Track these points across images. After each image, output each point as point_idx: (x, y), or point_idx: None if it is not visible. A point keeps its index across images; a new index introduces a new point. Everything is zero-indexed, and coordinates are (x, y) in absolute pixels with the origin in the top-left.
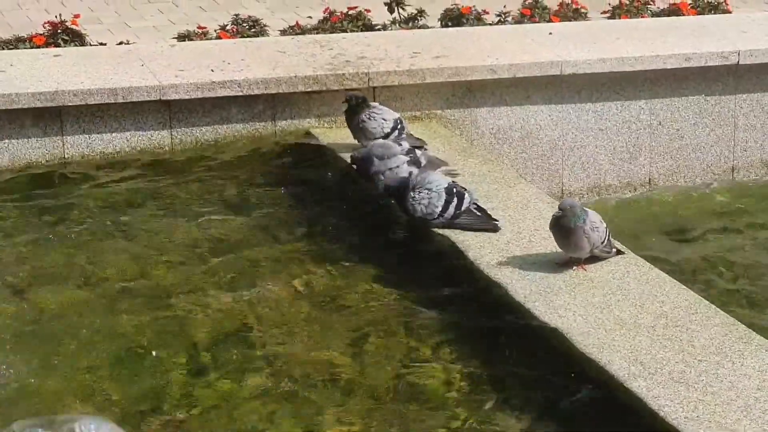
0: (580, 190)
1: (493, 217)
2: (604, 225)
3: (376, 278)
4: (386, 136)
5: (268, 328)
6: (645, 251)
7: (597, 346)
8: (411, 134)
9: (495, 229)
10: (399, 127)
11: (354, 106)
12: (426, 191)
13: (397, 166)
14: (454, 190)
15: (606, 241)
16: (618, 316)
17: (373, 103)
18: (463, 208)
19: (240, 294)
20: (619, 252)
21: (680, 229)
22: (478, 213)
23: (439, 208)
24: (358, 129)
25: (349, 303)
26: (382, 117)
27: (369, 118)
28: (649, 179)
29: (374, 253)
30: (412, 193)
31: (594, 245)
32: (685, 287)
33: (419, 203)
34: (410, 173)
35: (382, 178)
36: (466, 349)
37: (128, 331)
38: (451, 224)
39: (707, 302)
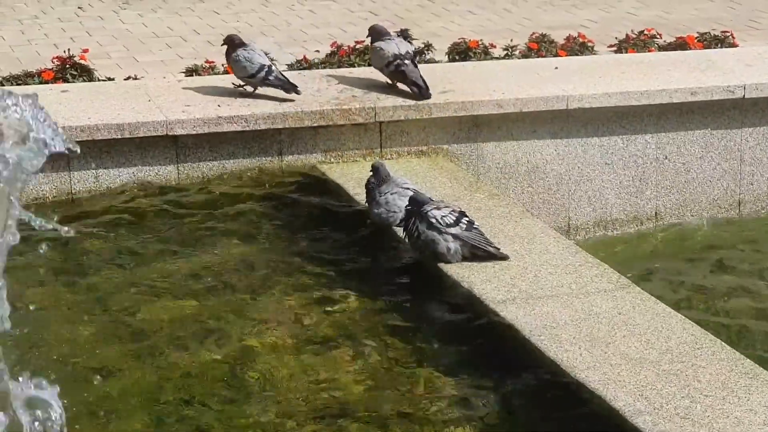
0: (586, 224)
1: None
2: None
3: (381, 312)
4: (252, 76)
5: (271, 363)
6: (650, 284)
7: (602, 381)
8: (282, 75)
9: (503, 255)
10: (266, 71)
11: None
12: (441, 208)
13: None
14: (466, 214)
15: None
16: (623, 351)
17: (251, 43)
18: (473, 227)
19: (244, 326)
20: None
21: (687, 262)
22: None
23: (453, 220)
24: (231, 61)
25: (352, 336)
26: (250, 60)
27: (238, 59)
28: (656, 213)
29: (379, 288)
30: (426, 207)
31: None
32: (690, 322)
33: (432, 215)
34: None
35: (379, 197)
36: (470, 382)
37: (130, 361)
38: (460, 236)
39: (713, 337)
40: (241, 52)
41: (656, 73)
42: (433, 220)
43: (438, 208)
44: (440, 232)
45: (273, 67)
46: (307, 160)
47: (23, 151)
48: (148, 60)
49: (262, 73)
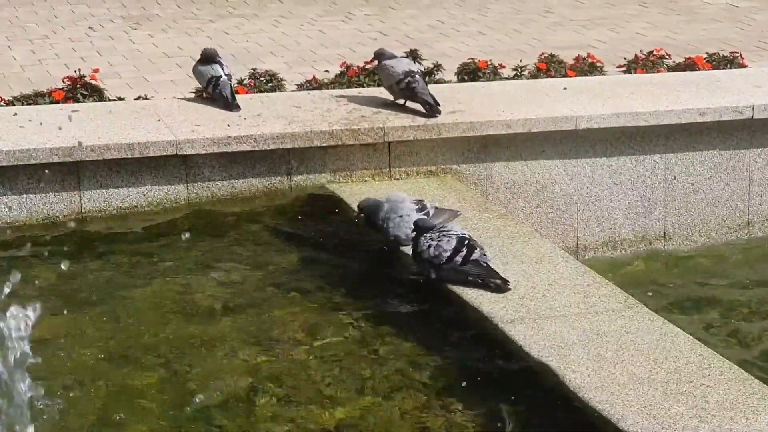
0: (595, 244)
1: (503, 277)
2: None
3: (388, 334)
4: (204, 88)
5: (280, 387)
6: (658, 305)
7: (610, 401)
8: (229, 90)
9: (501, 287)
10: (213, 84)
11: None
12: (438, 234)
13: (407, 215)
14: (466, 241)
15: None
16: (631, 371)
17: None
18: (471, 259)
19: (252, 345)
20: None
21: (695, 281)
22: (486, 265)
23: (448, 254)
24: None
25: (360, 355)
26: (201, 73)
27: (194, 72)
28: (664, 233)
29: (388, 307)
30: (427, 234)
31: None
32: (698, 342)
33: (428, 245)
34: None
35: (391, 225)
36: (478, 404)
37: (139, 385)
38: (457, 270)
39: (720, 357)
40: (197, 66)
41: (665, 93)
42: (426, 256)
43: (440, 245)
44: (437, 268)
45: (222, 81)
46: (316, 180)
47: None
48: (158, 80)
49: (210, 86)
